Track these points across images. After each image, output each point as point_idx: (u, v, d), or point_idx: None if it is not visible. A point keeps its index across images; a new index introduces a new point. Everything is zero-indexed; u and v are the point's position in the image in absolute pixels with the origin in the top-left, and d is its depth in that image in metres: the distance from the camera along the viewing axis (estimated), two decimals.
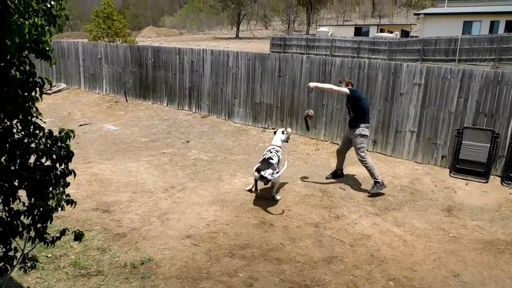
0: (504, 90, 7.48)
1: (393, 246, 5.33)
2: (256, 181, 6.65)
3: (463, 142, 7.74)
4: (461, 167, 7.72)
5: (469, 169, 7.64)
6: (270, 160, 6.43)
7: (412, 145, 8.46)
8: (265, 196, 6.69)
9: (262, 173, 6.18)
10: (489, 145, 7.53)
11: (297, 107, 10.03)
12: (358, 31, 43.42)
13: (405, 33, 42.45)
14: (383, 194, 6.89)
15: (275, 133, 7.14)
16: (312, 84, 7.14)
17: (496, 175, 7.64)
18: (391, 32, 39.53)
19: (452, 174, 7.77)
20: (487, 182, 7.47)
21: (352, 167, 8.08)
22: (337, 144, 9.25)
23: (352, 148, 7.27)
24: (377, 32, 39.95)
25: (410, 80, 8.37)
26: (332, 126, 9.50)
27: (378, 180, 6.88)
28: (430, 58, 26.31)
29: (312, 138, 9.73)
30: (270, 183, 6.50)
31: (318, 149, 9.18)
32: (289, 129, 7.28)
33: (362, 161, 6.99)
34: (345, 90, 7.03)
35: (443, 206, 6.59)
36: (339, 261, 4.94)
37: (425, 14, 34.95)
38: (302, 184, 7.32)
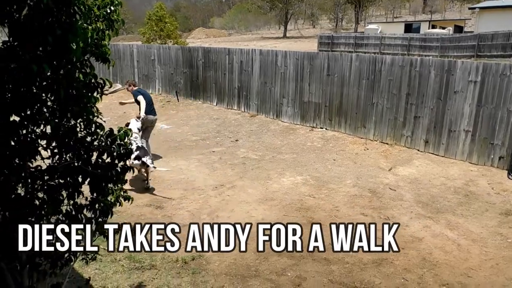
0: None
1: (446, 250, 5.15)
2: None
3: None
4: None
5: None
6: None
7: (467, 145, 8.12)
8: (314, 196, 6.68)
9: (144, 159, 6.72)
10: None
11: (345, 106, 9.89)
12: (409, 27, 42.05)
13: (458, 29, 40.62)
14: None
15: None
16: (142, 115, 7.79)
17: None
18: (444, 28, 38.01)
19: (510, 176, 7.38)
20: None
21: (402, 167, 7.87)
22: (387, 143, 9.06)
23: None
24: (429, 28, 38.55)
25: (465, 77, 8.02)
26: (382, 126, 9.29)
27: None
28: (486, 54, 25.03)
29: (361, 138, 9.57)
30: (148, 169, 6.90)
31: (367, 149, 9.01)
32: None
33: None
34: (142, 103, 7.84)
35: (501, 210, 6.28)
36: (389, 263, 4.84)
37: (480, 8, 33.26)
38: (351, 184, 7.23)
